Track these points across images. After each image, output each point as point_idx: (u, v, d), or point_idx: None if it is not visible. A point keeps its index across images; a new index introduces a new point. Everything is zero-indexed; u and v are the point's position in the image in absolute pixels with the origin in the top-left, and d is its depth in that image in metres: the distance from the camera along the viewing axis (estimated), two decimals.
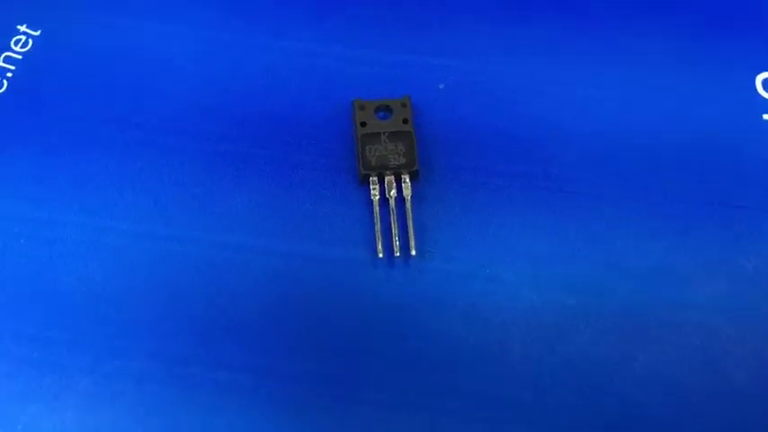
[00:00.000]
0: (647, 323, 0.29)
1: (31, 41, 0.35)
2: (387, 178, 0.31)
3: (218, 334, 0.28)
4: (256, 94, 0.33)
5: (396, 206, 0.30)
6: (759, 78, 0.33)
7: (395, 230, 0.30)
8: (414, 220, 0.30)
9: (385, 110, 0.32)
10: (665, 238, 0.30)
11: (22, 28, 0.35)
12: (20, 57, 0.34)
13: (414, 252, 0.29)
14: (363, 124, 0.32)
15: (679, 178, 0.31)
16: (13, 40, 0.34)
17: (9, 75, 0.34)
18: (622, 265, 0.30)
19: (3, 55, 0.34)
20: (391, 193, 0.30)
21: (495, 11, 0.35)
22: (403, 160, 0.31)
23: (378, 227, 0.30)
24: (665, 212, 0.31)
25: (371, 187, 0.30)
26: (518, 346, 0.28)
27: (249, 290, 0.29)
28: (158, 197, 0.31)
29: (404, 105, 0.32)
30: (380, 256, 0.29)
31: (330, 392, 0.28)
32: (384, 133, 0.31)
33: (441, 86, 0.33)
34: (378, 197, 0.30)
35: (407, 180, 0.31)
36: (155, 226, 0.30)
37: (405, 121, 0.32)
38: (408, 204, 0.30)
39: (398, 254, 0.29)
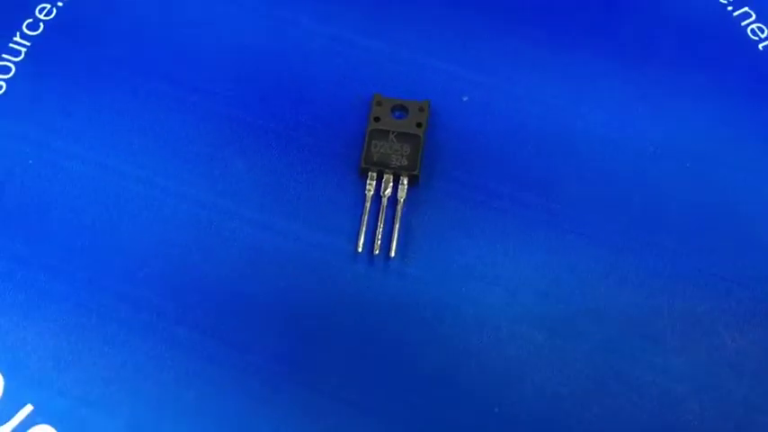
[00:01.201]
0: (611, 376, 0.28)
1: None
2: (385, 176, 0.31)
3: (186, 290, 0.29)
4: (284, 72, 0.34)
5: (387, 206, 0.30)
6: None
7: (380, 229, 0.30)
8: (402, 224, 0.30)
9: (401, 110, 0.32)
10: (649, 296, 0.29)
11: None
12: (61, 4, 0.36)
13: (393, 254, 0.29)
14: (377, 119, 0.32)
15: (681, 240, 0.30)
16: None
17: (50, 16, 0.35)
18: (600, 312, 0.29)
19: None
20: (386, 191, 0.30)
21: (537, 34, 0.35)
22: (405, 162, 0.31)
23: (364, 222, 0.30)
24: (658, 270, 0.30)
25: (368, 182, 0.31)
26: (474, 370, 0.28)
27: (226, 253, 0.30)
28: (165, 149, 0.32)
29: (421, 110, 0.32)
30: (359, 250, 0.29)
31: (279, 368, 0.28)
32: (393, 132, 0.31)
33: (464, 99, 0.33)
34: (372, 193, 0.30)
35: (405, 182, 0.30)
36: (154, 174, 0.31)
37: (418, 125, 0.32)
38: (400, 206, 0.30)
39: (377, 252, 0.29)
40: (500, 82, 0.34)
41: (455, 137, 0.32)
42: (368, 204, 0.30)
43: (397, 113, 0.32)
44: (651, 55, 0.34)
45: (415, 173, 0.30)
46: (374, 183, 0.31)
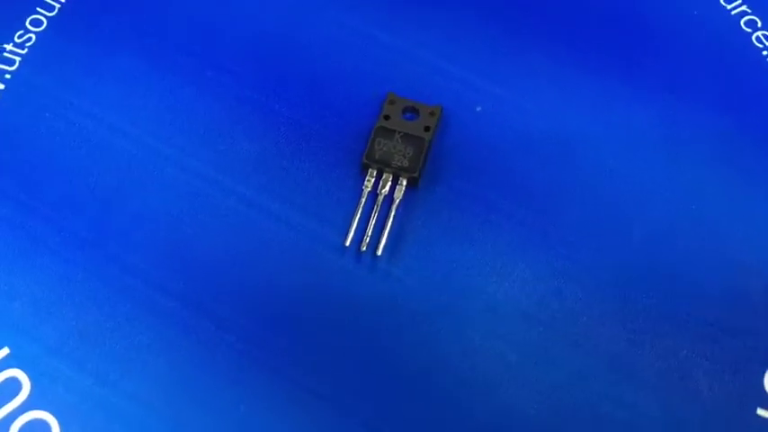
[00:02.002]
0: (579, 407, 0.27)
1: None
2: (385, 175, 0.31)
3: (173, 259, 0.30)
4: (304, 59, 0.34)
5: (383, 204, 0.30)
6: None
7: (371, 226, 0.30)
8: (394, 224, 0.30)
9: (412, 111, 0.32)
10: (633, 332, 0.29)
11: None
12: None
13: (379, 252, 0.29)
14: (387, 117, 0.32)
15: (675, 282, 0.30)
16: None
17: None
18: (579, 341, 0.29)
19: None
20: (383, 190, 0.30)
21: (561, 53, 0.34)
22: (406, 163, 0.31)
23: (356, 217, 0.30)
24: (646, 308, 0.29)
25: (367, 178, 0.31)
26: (441, 378, 0.28)
27: (217, 229, 0.30)
28: (175, 119, 0.32)
29: (432, 114, 0.32)
30: (347, 244, 0.30)
31: (248, 349, 0.28)
32: (400, 132, 0.31)
33: (478, 109, 0.33)
34: (369, 190, 0.30)
35: (404, 183, 0.30)
36: (160, 143, 0.32)
37: (426, 129, 0.32)
38: (394, 207, 0.30)
39: (364, 249, 0.29)
40: (516, 96, 0.33)
41: (463, 145, 0.32)
42: (363, 200, 0.30)
43: (407, 114, 0.32)
44: (676, 86, 0.34)
45: (415, 175, 0.30)
46: (373, 180, 0.31)
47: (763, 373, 0.28)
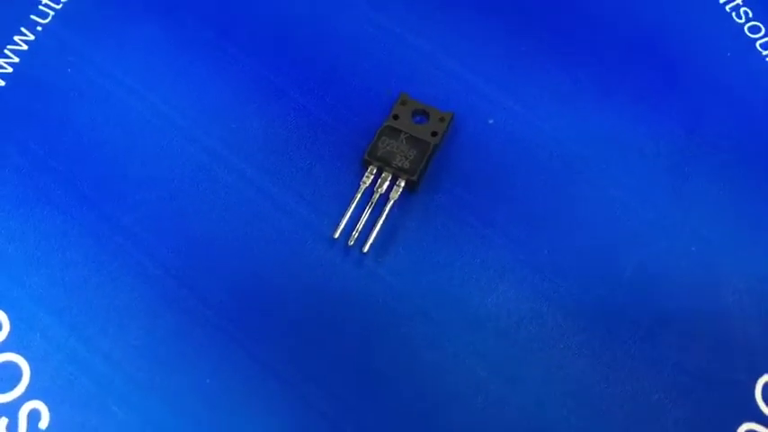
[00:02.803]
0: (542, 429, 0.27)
1: None
2: (384, 174, 0.31)
3: (166, 226, 0.30)
4: (325, 48, 0.34)
5: (378, 203, 0.30)
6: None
7: (361, 222, 0.30)
8: (386, 224, 0.30)
9: (423, 114, 0.32)
10: (608, 368, 0.28)
11: None
12: None
13: (366, 249, 0.29)
14: (396, 117, 0.32)
15: (660, 326, 0.29)
16: None
17: None
18: (551, 369, 0.28)
19: None
20: (380, 188, 0.30)
21: (582, 76, 0.34)
22: (407, 165, 0.30)
23: (349, 211, 0.30)
24: (625, 348, 0.29)
25: (366, 174, 0.31)
26: (405, 386, 0.28)
27: (214, 202, 0.31)
28: (192, 91, 0.33)
29: (442, 120, 0.32)
30: (336, 236, 0.30)
31: (221, 323, 0.29)
32: (406, 134, 0.31)
33: (490, 122, 0.33)
34: (366, 186, 0.30)
35: (401, 185, 0.30)
36: (174, 112, 0.33)
37: (433, 134, 0.31)
38: (388, 206, 0.30)
39: (352, 243, 0.30)
40: (531, 114, 0.33)
41: (469, 156, 0.32)
42: (358, 196, 0.30)
43: (417, 117, 0.32)
44: (694, 122, 0.33)
45: (414, 178, 0.30)
46: (372, 177, 0.31)
47: (736, 429, 0.27)
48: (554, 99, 0.33)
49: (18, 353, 0.28)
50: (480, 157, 0.32)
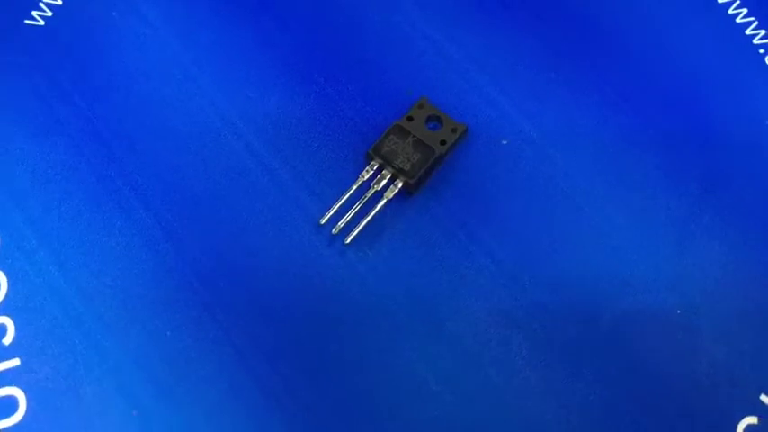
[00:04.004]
0: None
1: None
2: (384, 171, 0.31)
3: (164, 178, 0.31)
4: (361, 40, 0.35)
5: (372, 198, 0.30)
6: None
7: (350, 214, 0.30)
8: (375, 220, 0.30)
9: (437, 121, 0.32)
10: (564, 408, 0.28)
11: None
12: None
13: (348, 241, 0.30)
14: (410, 119, 0.32)
15: (619, 370, 0.28)
16: None
17: None
18: (506, 399, 0.28)
19: None
20: (377, 185, 0.30)
21: (609, 122, 0.33)
22: (407, 167, 0.30)
23: (340, 201, 0.30)
24: (577, 387, 0.28)
25: (366, 168, 0.31)
26: (357, 383, 0.28)
27: (215, 165, 0.31)
28: (223, 56, 0.34)
29: (454, 131, 0.32)
30: (322, 222, 0.30)
31: (206, 293, 0.29)
32: (414, 137, 0.31)
33: (504, 142, 0.32)
34: (364, 180, 0.31)
35: (398, 185, 0.30)
36: (201, 73, 0.33)
37: (442, 143, 0.31)
38: (381, 203, 0.30)
39: (336, 232, 0.30)
40: (546, 142, 0.32)
41: (475, 171, 0.32)
42: (354, 188, 0.31)
43: (431, 123, 0.32)
44: (711, 179, 0.32)
45: (411, 181, 0.30)
46: (371, 172, 0.31)
47: None
48: (573, 133, 0.33)
49: (1, 269, 0.29)
50: (485, 175, 0.32)
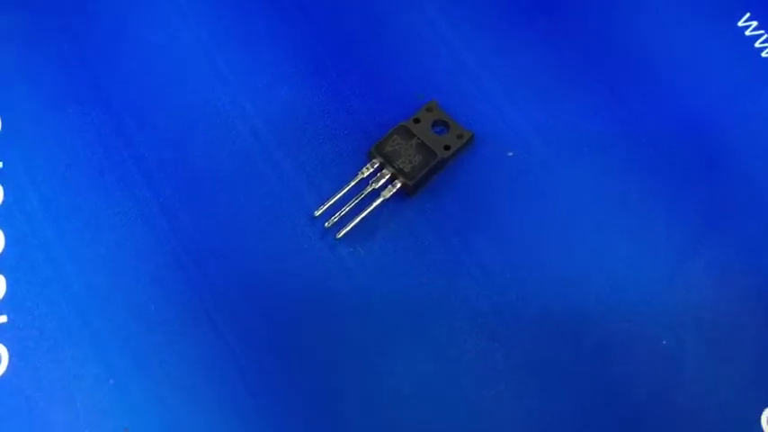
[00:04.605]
0: None
1: None
2: (384, 170, 0.31)
3: (164, 145, 0.32)
4: (380, 37, 0.34)
5: (369, 196, 0.30)
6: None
7: (344, 210, 0.30)
8: (369, 218, 0.30)
9: (444, 126, 0.32)
10: (530, 429, 0.27)
11: None
12: None
13: (340, 235, 0.30)
14: (417, 121, 0.32)
15: (604, 420, 0.28)
16: None
17: None
18: (474, 410, 0.28)
19: None
20: (375, 183, 0.30)
21: (617, 158, 0.32)
22: (408, 169, 0.30)
23: (337, 196, 0.30)
24: (557, 414, 0.28)
25: (366, 166, 0.31)
26: (329, 378, 0.28)
27: (218, 144, 0.32)
28: (242, 36, 0.34)
29: (459, 137, 0.32)
30: (316, 215, 0.30)
31: (190, 258, 0.30)
32: (418, 139, 0.31)
33: (510, 154, 0.32)
34: (363, 177, 0.31)
35: (396, 185, 0.30)
36: (219, 53, 0.34)
37: (446, 148, 0.31)
38: (377, 202, 0.30)
39: (328, 226, 0.30)
40: (553, 160, 0.32)
41: (477, 180, 0.32)
42: (352, 183, 0.31)
43: (437, 127, 0.32)
44: (715, 220, 0.31)
45: (409, 183, 0.30)
46: (372, 170, 0.31)
47: None
48: (580, 152, 0.32)
49: (1, 227, 0.30)
50: (487, 185, 0.32)
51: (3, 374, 0.28)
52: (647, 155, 0.32)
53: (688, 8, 0.35)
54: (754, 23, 0.35)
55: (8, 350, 0.28)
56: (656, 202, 0.31)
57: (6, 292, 0.29)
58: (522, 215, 0.31)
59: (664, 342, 0.29)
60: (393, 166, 0.31)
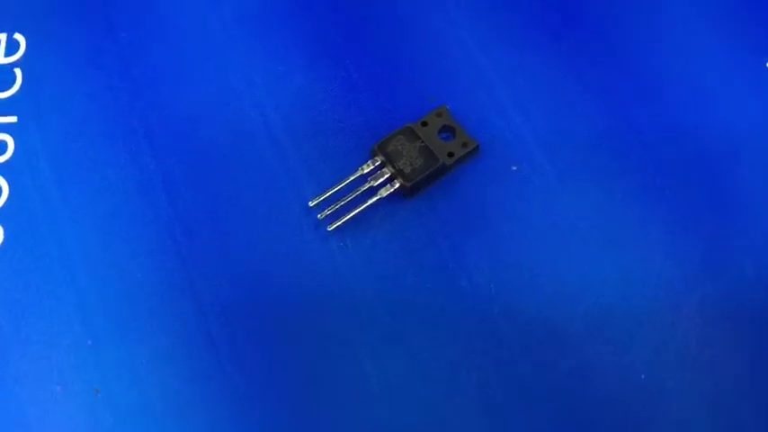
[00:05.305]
0: None
1: None
2: (384, 169, 0.31)
3: (171, 119, 0.32)
4: (401, 38, 0.34)
5: (366, 193, 0.30)
6: None
7: (339, 204, 0.30)
8: (363, 214, 0.30)
9: (450, 132, 0.32)
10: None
11: None
12: None
13: (330, 228, 0.30)
14: (424, 124, 0.32)
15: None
16: None
17: None
18: (440, 419, 0.28)
19: None
20: (374, 181, 0.31)
21: (630, 181, 0.32)
22: (407, 170, 0.30)
23: (335, 189, 0.30)
24: (514, 420, 0.28)
25: (367, 162, 0.31)
26: (296, 369, 0.28)
27: (226, 122, 0.32)
28: (265, 20, 0.34)
29: (464, 145, 0.32)
30: (311, 205, 0.30)
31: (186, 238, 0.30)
32: (422, 143, 0.31)
33: (514, 168, 0.32)
34: (362, 173, 0.31)
35: (394, 185, 0.30)
36: (237, 28, 0.34)
37: (450, 155, 0.31)
38: (373, 199, 0.30)
39: (321, 217, 0.30)
40: (557, 180, 0.32)
41: (478, 190, 0.32)
42: (351, 178, 0.31)
43: (444, 133, 0.32)
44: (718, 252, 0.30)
45: (407, 185, 0.30)
46: (372, 167, 0.31)
47: None
48: (585, 175, 0.32)
49: (5, 178, 0.31)
50: (486, 197, 0.31)
51: None
52: (654, 186, 0.31)
53: (713, 40, 0.34)
54: None
55: None
56: (656, 235, 0.31)
57: (3, 242, 0.30)
58: (516, 232, 0.31)
59: (642, 376, 0.28)
60: (393, 166, 0.31)
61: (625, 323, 0.29)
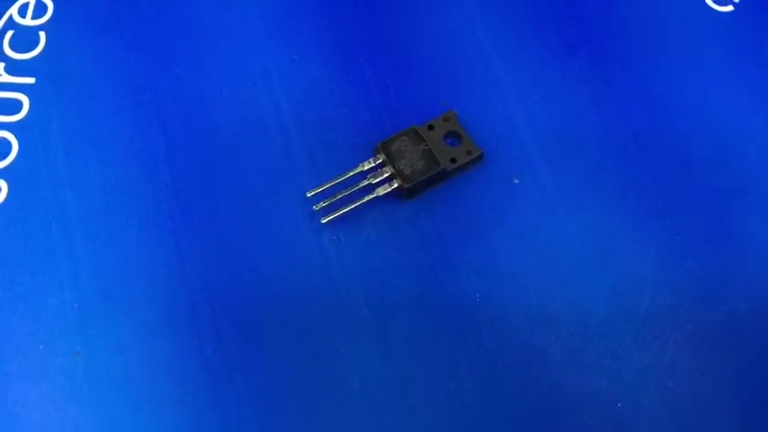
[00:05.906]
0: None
1: None
2: (385, 168, 0.31)
3: (183, 101, 0.33)
4: (417, 37, 0.34)
5: (364, 189, 0.31)
6: None
7: (336, 197, 0.30)
8: (359, 211, 0.30)
9: (456, 138, 0.32)
10: None
11: None
12: None
13: (324, 221, 0.30)
14: (431, 127, 0.32)
15: None
16: None
17: None
18: (416, 423, 0.28)
19: None
20: (373, 178, 0.31)
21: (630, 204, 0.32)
22: (407, 172, 0.30)
23: (333, 182, 0.31)
24: None
25: (369, 159, 0.31)
26: (279, 362, 0.29)
27: (236, 106, 0.33)
28: (288, 6, 0.35)
29: (469, 152, 0.31)
30: (308, 196, 0.30)
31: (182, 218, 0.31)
32: (426, 146, 0.31)
33: (515, 181, 0.32)
34: (362, 170, 0.31)
35: (393, 185, 0.30)
36: (262, 13, 0.35)
37: (452, 160, 0.31)
38: (370, 197, 0.30)
39: (316, 209, 0.30)
40: (557, 196, 0.31)
41: (477, 199, 0.31)
42: (350, 173, 0.31)
43: (449, 138, 0.32)
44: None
45: (405, 186, 0.30)
46: (373, 165, 0.31)
47: None
48: (587, 197, 0.31)
49: (17, 137, 0.31)
50: (484, 206, 0.31)
51: None
52: (655, 212, 0.31)
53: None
54: None
55: None
56: (651, 262, 0.30)
57: (5, 200, 0.30)
58: (510, 244, 0.30)
59: (619, 405, 0.28)
60: (394, 166, 0.31)
61: (610, 347, 0.29)
